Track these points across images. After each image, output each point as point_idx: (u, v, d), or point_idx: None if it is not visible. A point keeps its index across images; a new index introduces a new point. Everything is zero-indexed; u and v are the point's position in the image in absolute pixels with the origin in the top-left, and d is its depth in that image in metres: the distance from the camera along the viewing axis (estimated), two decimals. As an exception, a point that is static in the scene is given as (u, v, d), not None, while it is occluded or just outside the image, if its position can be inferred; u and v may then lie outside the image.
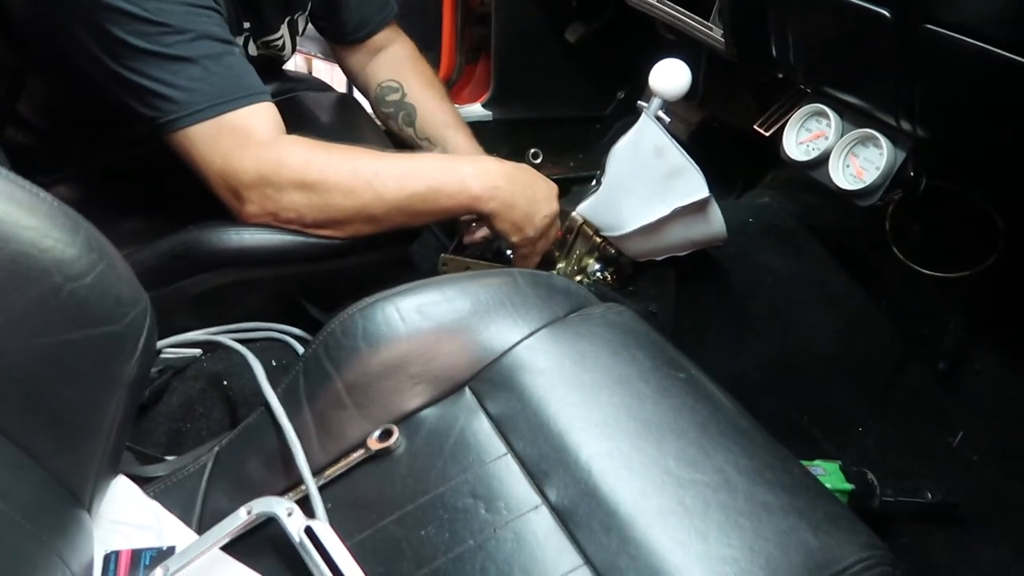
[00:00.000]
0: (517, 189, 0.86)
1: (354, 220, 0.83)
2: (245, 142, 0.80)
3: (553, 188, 0.92)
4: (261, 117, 0.82)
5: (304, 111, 1.14)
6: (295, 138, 0.84)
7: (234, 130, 0.80)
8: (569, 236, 0.97)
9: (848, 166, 0.89)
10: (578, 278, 0.98)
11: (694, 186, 0.85)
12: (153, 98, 0.77)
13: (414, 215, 0.84)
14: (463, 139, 1.10)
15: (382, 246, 0.89)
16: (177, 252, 0.83)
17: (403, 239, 0.91)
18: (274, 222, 0.82)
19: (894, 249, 0.99)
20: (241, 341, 0.74)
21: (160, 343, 0.76)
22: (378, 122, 1.17)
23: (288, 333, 0.80)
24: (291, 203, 0.81)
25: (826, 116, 0.91)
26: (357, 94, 1.23)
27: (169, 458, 0.70)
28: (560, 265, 0.99)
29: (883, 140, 0.85)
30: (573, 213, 0.96)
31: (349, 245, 0.85)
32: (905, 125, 0.81)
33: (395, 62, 1.14)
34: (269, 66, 1.17)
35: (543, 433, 0.59)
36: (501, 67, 1.47)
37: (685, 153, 0.85)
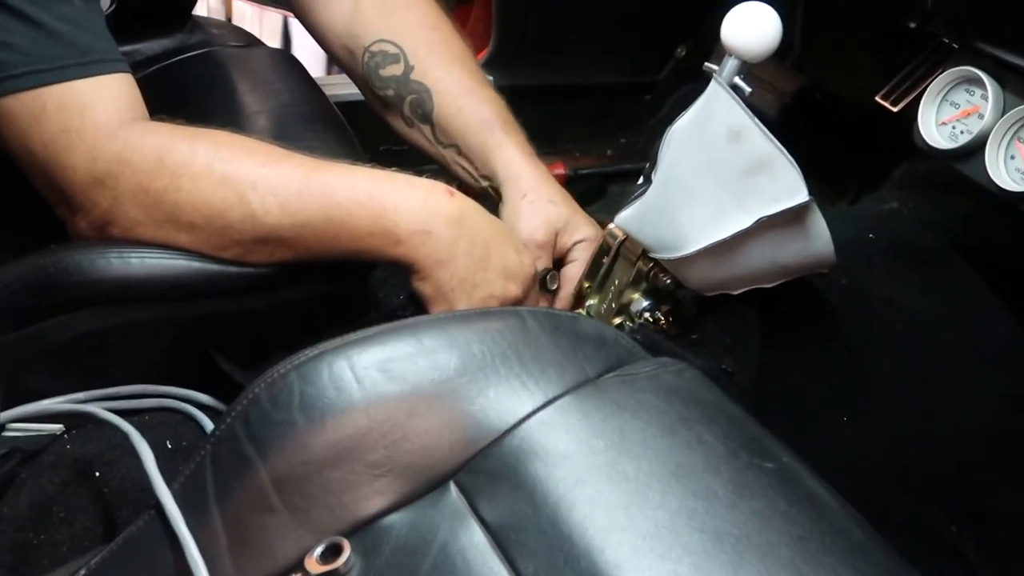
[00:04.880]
0: (463, 243, 0.87)
1: (218, 246, 0.85)
2: (78, 128, 0.82)
3: (525, 264, 0.92)
4: (107, 93, 0.84)
5: (215, 78, 1.15)
6: (151, 125, 0.86)
7: (63, 109, 0.82)
8: (605, 259, 0.97)
9: (1013, 157, 0.90)
10: (617, 320, 0.98)
11: (787, 185, 0.85)
12: None
13: (306, 251, 0.86)
14: (512, 148, 1.04)
15: (326, 276, 0.90)
16: (32, 282, 0.84)
17: (358, 265, 0.92)
18: (105, 236, 0.85)
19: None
20: (121, 412, 0.74)
21: (4, 415, 0.76)
22: (332, 88, 1.18)
23: (190, 401, 0.80)
24: (133, 216, 0.83)
25: (981, 85, 0.91)
26: (302, 52, 1.25)
27: (13, 584, 0.70)
28: (591, 301, 0.99)
29: (1065, 120, 0.86)
30: (611, 225, 0.96)
31: (277, 274, 0.86)
32: (1097, 98, 0.81)
33: (391, 9, 1.09)
34: (165, 7, 1.19)
35: (564, 550, 0.58)
36: (506, 10, 1.49)
37: (773, 138, 0.85)
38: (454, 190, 0.89)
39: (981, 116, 0.91)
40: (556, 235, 1.00)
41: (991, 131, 0.90)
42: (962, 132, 0.93)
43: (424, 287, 0.89)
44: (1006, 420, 1.06)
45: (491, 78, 1.48)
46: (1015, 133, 0.90)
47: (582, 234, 1.01)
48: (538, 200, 1.00)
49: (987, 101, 0.90)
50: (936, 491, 1.02)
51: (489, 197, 1.04)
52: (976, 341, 1.09)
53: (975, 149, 0.91)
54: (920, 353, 1.07)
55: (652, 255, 0.94)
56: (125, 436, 0.71)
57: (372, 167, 0.90)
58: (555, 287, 1.00)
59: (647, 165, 0.94)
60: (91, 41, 0.84)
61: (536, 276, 0.95)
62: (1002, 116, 0.90)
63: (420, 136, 1.09)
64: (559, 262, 1.02)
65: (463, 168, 1.07)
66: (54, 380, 0.83)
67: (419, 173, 0.91)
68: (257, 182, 0.84)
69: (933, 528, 0.99)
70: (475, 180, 1.06)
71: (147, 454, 0.68)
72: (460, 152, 1.07)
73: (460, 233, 0.87)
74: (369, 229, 0.85)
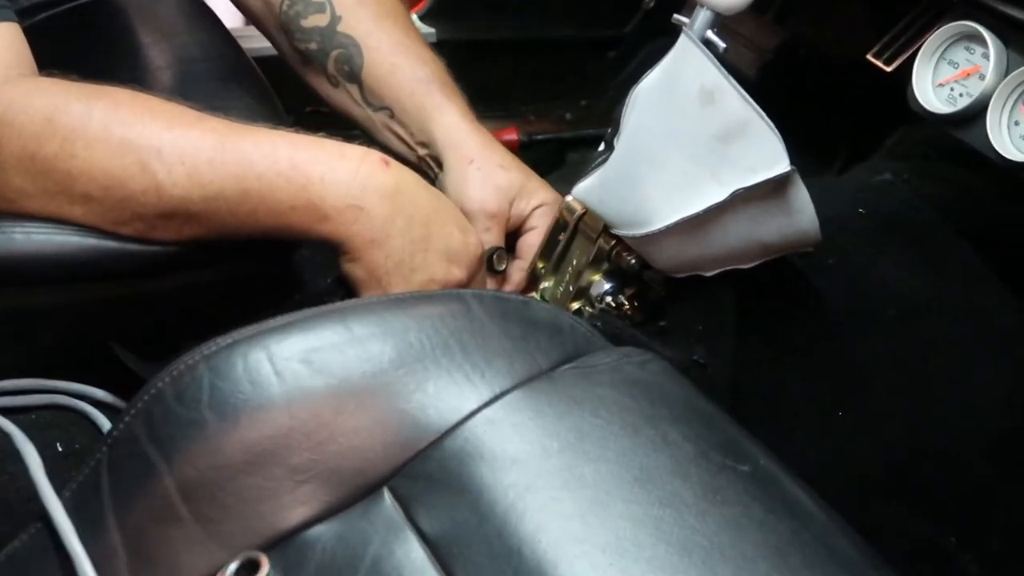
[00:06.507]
0: (400, 220, 0.87)
1: (118, 220, 0.84)
2: None
3: (470, 244, 0.92)
4: None
5: (113, 28, 1.14)
6: (40, 81, 0.85)
7: None
8: (562, 236, 0.97)
9: (1018, 123, 0.91)
10: (575, 305, 0.98)
11: (766, 154, 0.85)
12: None
13: (219, 228, 0.85)
14: (453, 111, 1.05)
15: (242, 255, 0.89)
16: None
17: (279, 243, 0.91)
18: None
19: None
20: (3, 411, 0.73)
21: None
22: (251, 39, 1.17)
23: (84, 397, 0.79)
24: (18, 186, 0.82)
25: (982, 42, 0.92)
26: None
27: None
28: (546, 284, 0.99)
29: (1075, 81, 0.87)
30: (568, 198, 0.96)
31: (185, 253, 0.86)
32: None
33: None
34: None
35: (513, 565, 0.58)
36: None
37: (751, 101, 0.86)
38: (390, 159, 0.88)
39: (982, 77, 0.92)
40: (510, 204, 1.00)
41: (993, 93, 0.91)
42: (961, 95, 0.93)
43: (355, 270, 0.88)
44: (1010, 418, 1.07)
45: (432, 30, 1.48)
46: (1020, 96, 0.90)
47: (540, 199, 1.02)
48: (487, 165, 1.01)
49: (988, 60, 0.91)
50: (932, 498, 1.03)
51: (426, 169, 1.04)
52: (978, 330, 1.10)
53: (976, 113, 0.92)
54: (915, 343, 1.08)
55: (615, 231, 0.95)
56: (7, 437, 0.70)
57: (296, 132, 0.89)
58: (503, 268, 1.00)
59: (609, 130, 0.94)
60: None
61: (483, 258, 0.95)
62: (1005, 77, 0.91)
63: (346, 97, 1.08)
64: (514, 235, 1.02)
65: (395, 135, 1.07)
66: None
67: (351, 139, 0.90)
68: (163, 148, 0.83)
69: (929, 539, 1.00)
70: (409, 148, 1.06)
71: (33, 458, 0.67)
72: (393, 116, 1.07)
73: (397, 209, 0.87)
74: (291, 203, 0.84)
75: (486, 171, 1.00)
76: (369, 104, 1.07)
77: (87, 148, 0.82)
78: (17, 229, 0.83)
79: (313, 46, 1.07)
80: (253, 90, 1.14)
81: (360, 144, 0.89)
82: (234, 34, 1.24)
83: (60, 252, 0.84)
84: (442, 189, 1.00)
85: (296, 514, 0.63)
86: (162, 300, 0.90)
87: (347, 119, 1.10)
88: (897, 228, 1.15)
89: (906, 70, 0.99)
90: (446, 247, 0.90)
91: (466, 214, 0.97)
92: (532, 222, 1.02)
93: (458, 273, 0.91)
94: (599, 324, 0.92)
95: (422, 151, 1.05)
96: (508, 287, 1.01)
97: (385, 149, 1.01)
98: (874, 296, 1.09)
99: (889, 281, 1.11)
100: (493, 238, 1.00)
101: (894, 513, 0.94)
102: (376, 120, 1.07)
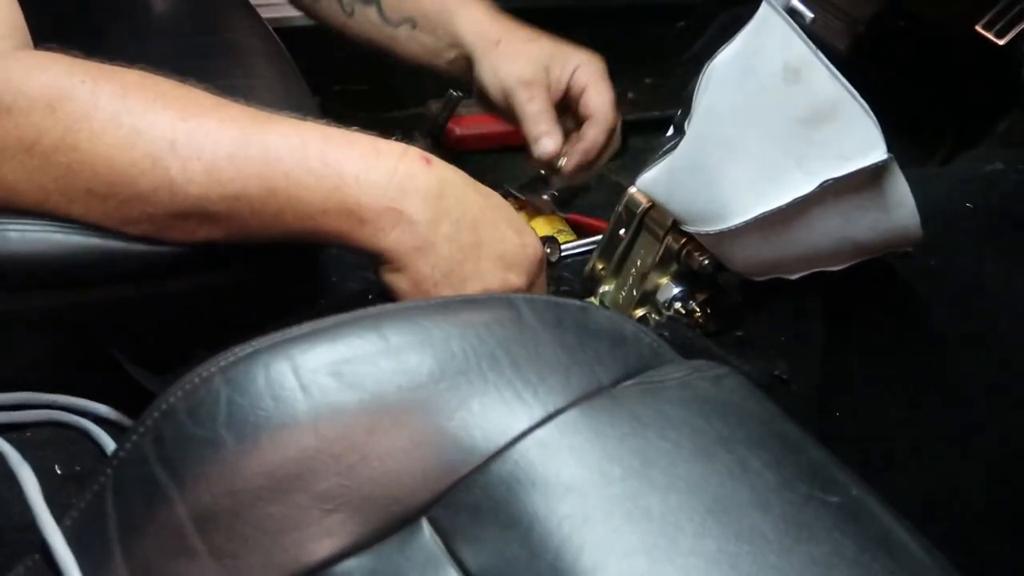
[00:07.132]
0: (446, 225, 0.87)
1: (125, 220, 0.84)
2: None
3: (528, 246, 0.92)
4: None
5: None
6: (41, 57, 0.84)
7: None
8: (623, 233, 0.97)
9: None
10: (640, 311, 0.98)
11: (860, 139, 0.85)
12: None
13: (240, 230, 0.85)
14: (477, 6, 1.13)
15: (263, 255, 0.90)
16: None
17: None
18: None
19: None
20: (-2, 428, 0.75)
21: None
22: None
23: (86, 413, 0.80)
24: (11, 181, 0.82)
25: (1111, 9, 0.92)
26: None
27: None
28: (606, 287, 1.00)
29: None
30: (631, 190, 0.96)
31: (199, 253, 0.86)
32: None
33: None
34: None
35: (569, 607, 0.59)
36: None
37: (842, 79, 0.85)
38: (432, 157, 0.88)
39: (1111, 51, 0.91)
40: (546, 70, 1.08)
41: (1125, 71, 0.91)
42: (1087, 72, 0.93)
43: (398, 281, 0.87)
44: None
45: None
46: None
47: (576, 60, 1.10)
48: (513, 41, 1.09)
49: (1120, 32, 0.91)
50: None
51: (458, 75, 1.14)
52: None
53: (1104, 94, 0.92)
54: (1032, 357, 1.07)
55: (684, 228, 0.95)
56: (1, 458, 0.71)
57: (327, 124, 0.88)
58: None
59: (679, 112, 0.94)
60: None
61: (543, 262, 0.94)
62: None
63: (364, 22, 1.15)
64: (564, 105, 1.11)
65: (421, 45, 1.14)
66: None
67: (388, 135, 0.90)
68: (176, 141, 0.82)
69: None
70: (436, 55, 1.15)
71: (30, 481, 0.67)
72: (416, 26, 1.13)
73: (441, 212, 0.86)
74: (323, 206, 0.84)
75: (514, 46, 1.09)
76: (389, 21, 1.13)
77: (91, 140, 0.81)
78: (11, 227, 0.83)
79: None
80: (275, 66, 1.14)
81: (397, 140, 0.89)
82: (253, 1, 1.24)
83: (59, 252, 0.84)
84: (478, 82, 1.09)
85: (323, 547, 0.63)
86: (172, 304, 0.90)
87: (367, 47, 1.17)
88: (1010, 225, 1.14)
89: (1021, 44, 0.98)
90: (500, 252, 0.90)
91: (506, 92, 1.06)
92: (578, 82, 1.10)
93: (516, 280, 0.91)
94: (667, 334, 0.93)
95: (449, 54, 1.13)
96: (582, 145, 1.10)
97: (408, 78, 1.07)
98: (983, 302, 1.08)
99: (1000, 285, 1.10)
100: (539, 107, 1.07)
101: (1005, 553, 0.94)
102: (398, 36, 1.14)
